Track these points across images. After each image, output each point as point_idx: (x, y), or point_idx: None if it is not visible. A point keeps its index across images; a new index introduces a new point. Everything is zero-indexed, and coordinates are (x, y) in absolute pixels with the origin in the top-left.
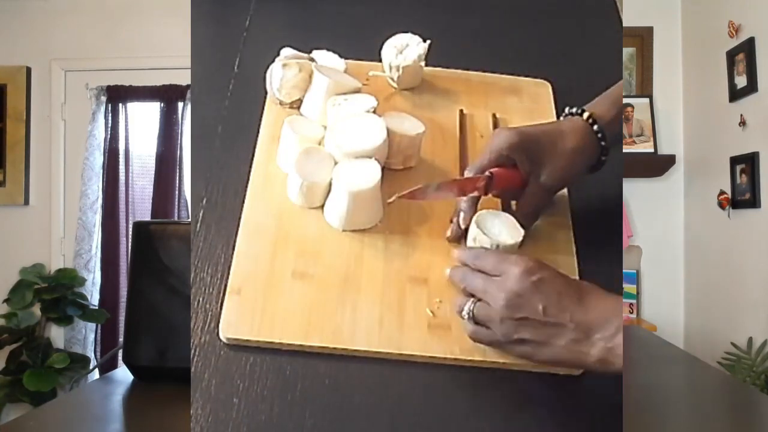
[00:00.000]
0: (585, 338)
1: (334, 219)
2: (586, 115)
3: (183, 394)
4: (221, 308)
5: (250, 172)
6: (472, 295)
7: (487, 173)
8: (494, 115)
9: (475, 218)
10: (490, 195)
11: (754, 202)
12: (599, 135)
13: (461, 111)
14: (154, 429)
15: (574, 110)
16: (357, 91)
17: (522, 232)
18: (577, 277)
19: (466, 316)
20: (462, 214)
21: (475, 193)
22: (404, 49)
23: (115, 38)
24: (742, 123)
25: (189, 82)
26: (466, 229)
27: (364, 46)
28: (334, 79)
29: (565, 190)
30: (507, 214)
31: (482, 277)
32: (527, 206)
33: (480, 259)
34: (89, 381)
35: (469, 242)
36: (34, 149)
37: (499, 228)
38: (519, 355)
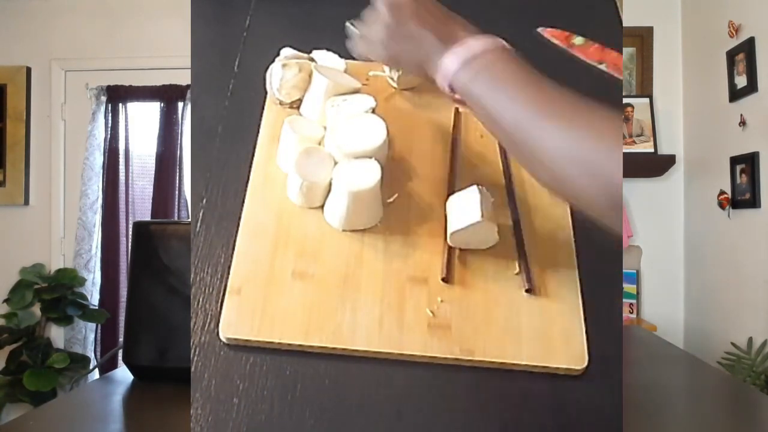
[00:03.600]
0: (440, 46)
1: (334, 219)
2: None
3: (183, 394)
4: (221, 308)
5: (250, 172)
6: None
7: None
8: None
9: None
10: None
11: (754, 202)
12: None
13: (456, 110)
14: (154, 429)
15: None
16: (356, 91)
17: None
18: (577, 279)
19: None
20: None
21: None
22: None
23: (115, 38)
24: (742, 123)
25: (189, 82)
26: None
27: None
28: (334, 79)
29: None
30: (470, 187)
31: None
32: None
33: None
34: (89, 381)
35: None
36: (34, 149)
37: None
38: (393, 65)
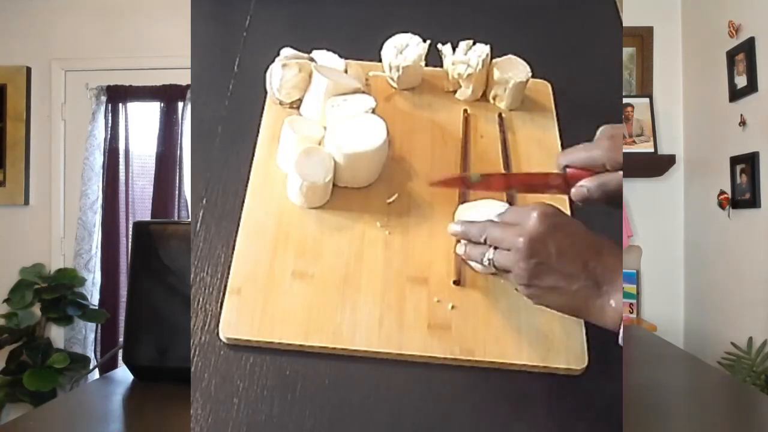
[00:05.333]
0: (594, 288)
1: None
2: None
3: (183, 394)
4: (221, 308)
5: (250, 172)
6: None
7: (561, 170)
8: (500, 115)
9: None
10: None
11: (754, 202)
12: None
13: (465, 111)
14: (154, 429)
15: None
16: (356, 91)
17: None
18: None
19: (487, 263)
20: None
21: (553, 191)
22: (404, 49)
23: (115, 38)
24: (742, 123)
25: (189, 82)
26: None
27: (364, 46)
28: (334, 79)
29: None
30: (493, 200)
31: (501, 226)
32: (600, 178)
33: (503, 214)
34: (89, 381)
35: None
36: (34, 149)
37: (484, 208)
38: (536, 301)
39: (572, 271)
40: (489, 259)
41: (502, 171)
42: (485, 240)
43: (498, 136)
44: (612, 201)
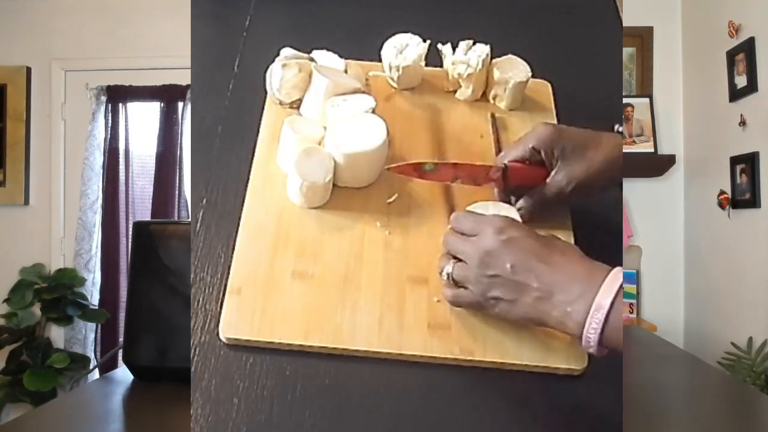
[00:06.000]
0: (547, 298)
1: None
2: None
3: (183, 394)
4: (221, 308)
5: (250, 172)
6: (454, 258)
7: (501, 164)
8: (492, 115)
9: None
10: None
11: (754, 202)
12: None
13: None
14: (154, 429)
15: (619, 128)
16: (356, 91)
17: (516, 212)
18: None
19: (446, 277)
20: None
21: (491, 184)
22: (404, 49)
23: (115, 38)
24: (742, 123)
25: (189, 82)
26: None
27: (364, 46)
28: (333, 79)
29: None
30: (500, 203)
31: (461, 238)
32: (533, 196)
33: (459, 222)
34: (89, 381)
35: None
36: (34, 149)
37: (493, 211)
38: (494, 314)
39: (525, 283)
40: (448, 273)
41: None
42: (448, 251)
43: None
44: (574, 198)
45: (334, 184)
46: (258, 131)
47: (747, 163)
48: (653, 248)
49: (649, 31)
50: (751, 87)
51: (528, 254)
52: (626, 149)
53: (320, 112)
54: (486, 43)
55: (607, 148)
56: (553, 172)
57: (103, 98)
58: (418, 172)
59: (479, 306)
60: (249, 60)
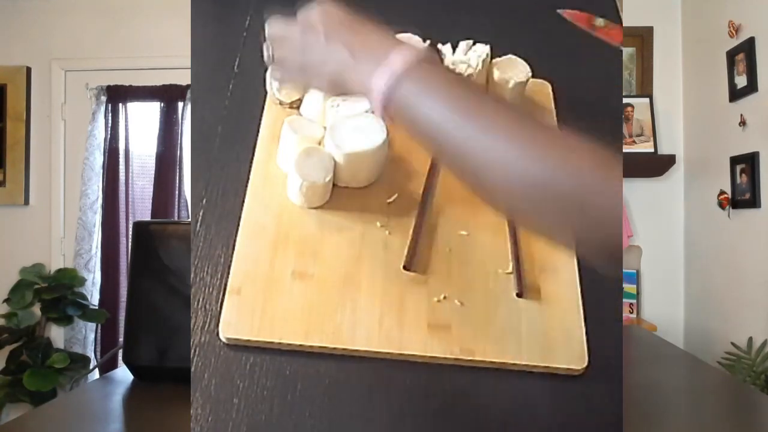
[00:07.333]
0: (350, 59)
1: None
2: None
3: (183, 394)
4: (221, 308)
5: (250, 172)
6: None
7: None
8: None
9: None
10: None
11: (754, 202)
12: None
13: None
14: (154, 429)
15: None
16: None
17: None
18: (577, 279)
19: (268, 60)
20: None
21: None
22: None
23: (115, 38)
24: (742, 123)
25: (189, 82)
26: None
27: None
28: None
29: None
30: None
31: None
32: None
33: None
34: (89, 381)
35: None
36: (34, 149)
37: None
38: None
39: (334, 49)
40: (269, 55)
41: None
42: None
43: None
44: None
45: (334, 184)
46: (258, 131)
47: (747, 163)
48: (653, 248)
49: (649, 31)
50: (751, 87)
51: (343, 27)
52: (626, 149)
53: (320, 112)
54: (486, 43)
55: None
56: None
57: (103, 98)
58: (589, 24)
59: (304, 78)
60: (249, 60)
